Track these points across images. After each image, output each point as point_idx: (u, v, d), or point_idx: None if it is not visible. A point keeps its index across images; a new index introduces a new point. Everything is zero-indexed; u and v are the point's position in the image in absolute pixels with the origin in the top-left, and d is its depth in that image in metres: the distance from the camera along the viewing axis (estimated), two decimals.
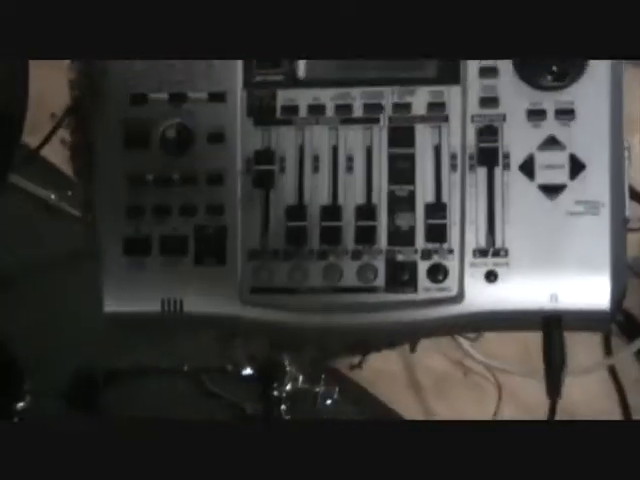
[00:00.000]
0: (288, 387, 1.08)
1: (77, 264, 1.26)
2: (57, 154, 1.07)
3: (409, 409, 1.24)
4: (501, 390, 1.25)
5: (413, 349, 0.73)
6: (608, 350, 1.26)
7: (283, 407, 1.09)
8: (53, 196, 1.20)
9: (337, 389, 1.14)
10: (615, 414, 1.22)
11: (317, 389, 1.13)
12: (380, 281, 0.66)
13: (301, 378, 1.08)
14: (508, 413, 1.23)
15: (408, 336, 0.72)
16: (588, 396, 1.22)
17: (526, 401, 1.24)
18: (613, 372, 1.24)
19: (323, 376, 1.12)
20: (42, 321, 1.24)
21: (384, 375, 1.24)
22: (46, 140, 1.05)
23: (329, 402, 1.14)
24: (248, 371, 1.13)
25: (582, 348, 1.22)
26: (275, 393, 1.08)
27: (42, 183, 1.23)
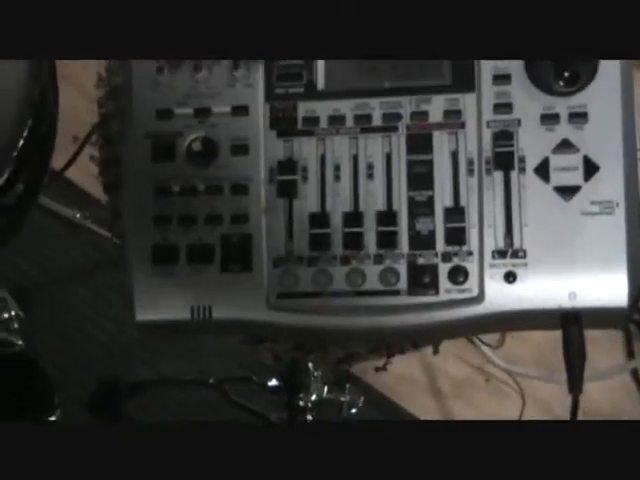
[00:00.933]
0: (313, 397, 1.10)
1: (100, 278, 1.29)
2: (81, 173, 1.10)
3: (431, 415, 1.25)
4: (524, 395, 1.27)
5: (436, 351, 0.74)
6: (630, 353, 1.27)
7: (309, 417, 1.10)
8: (78, 215, 1.23)
9: (362, 399, 1.15)
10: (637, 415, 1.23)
11: (342, 398, 1.14)
12: (402, 284, 0.68)
13: (326, 388, 1.10)
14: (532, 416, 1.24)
15: (431, 337, 0.74)
16: (611, 397, 1.23)
17: (549, 405, 1.25)
18: (635, 374, 1.25)
19: (348, 385, 1.14)
20: (67, 334, 1.27)
21: (406, 381, 1.26)
22: (71, 161, 1.07)
23: (354, 411, 1.16)
24: (274, 382, 1.14)
25: (603, 351, 1.24)
26: (300, 403, 1.10)
27: (67, 203, 1.27)
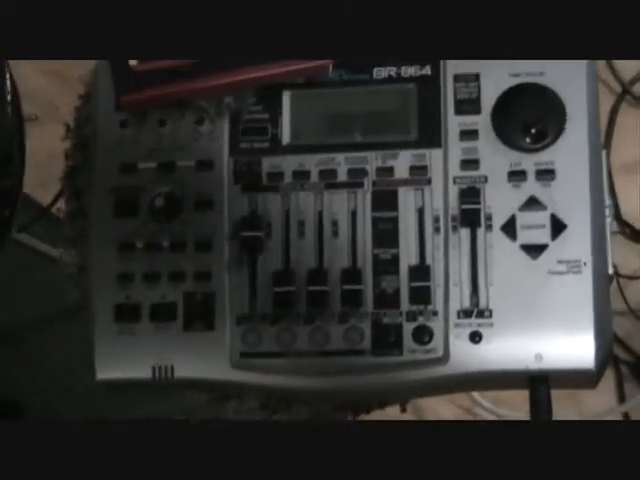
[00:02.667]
0: None
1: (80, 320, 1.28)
2: None
3: None
4: None
5: (403, 410, 0.73)
6: (621, 397, 1.25)
7: None
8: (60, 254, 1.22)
9: None
10: None
11: None
12: (366, 344, 0.67)
13: None
14: None
15: (396, 397, 0.72)
16: None
17: None
18: (626, 416, 1.24)
19: None
20: (54, 374, 1.26)
21: None
22: (54, 201, 1.07)
23: None
24: None
25: (595, 393, 1.22)
26: None
27: (51, 240, 1.26)
